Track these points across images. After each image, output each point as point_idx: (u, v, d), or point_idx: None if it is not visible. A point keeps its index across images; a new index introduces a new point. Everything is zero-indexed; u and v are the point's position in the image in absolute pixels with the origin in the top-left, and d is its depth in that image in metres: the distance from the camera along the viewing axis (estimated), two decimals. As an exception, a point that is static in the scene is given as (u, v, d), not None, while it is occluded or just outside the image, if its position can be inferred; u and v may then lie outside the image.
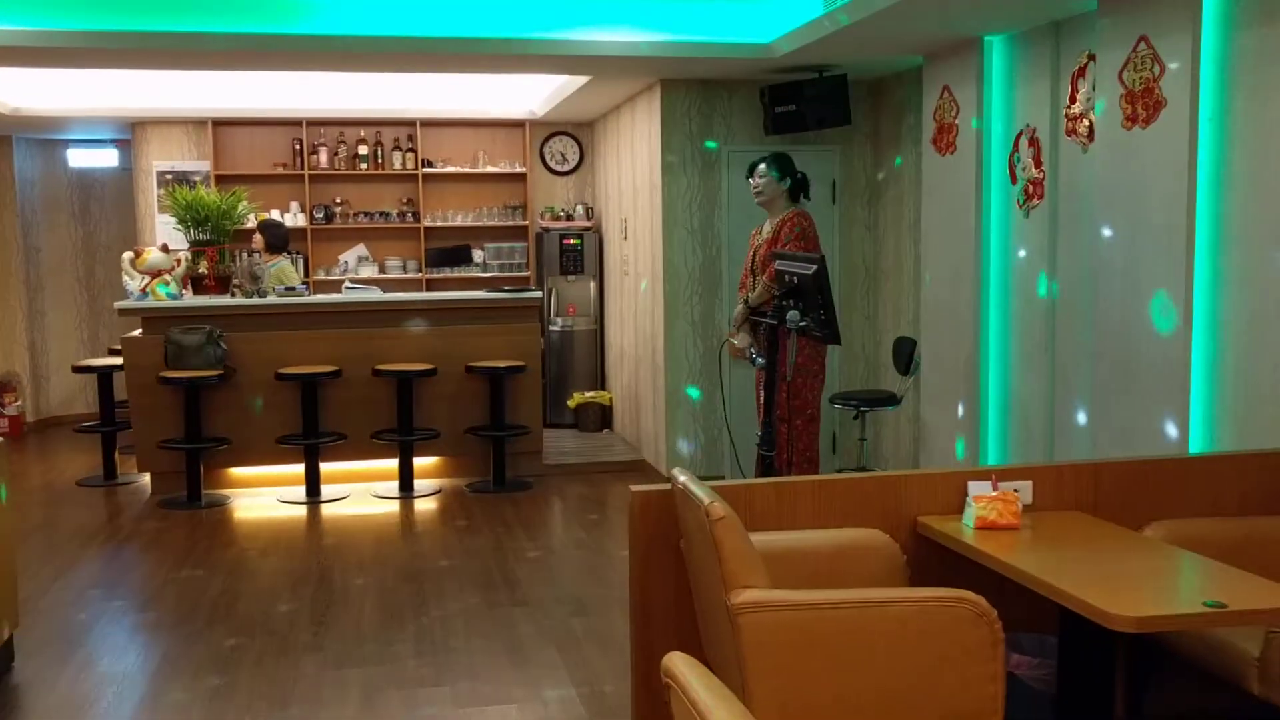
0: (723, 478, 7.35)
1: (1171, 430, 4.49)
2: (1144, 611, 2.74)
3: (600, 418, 9.01)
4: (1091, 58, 5.08)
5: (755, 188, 5.70)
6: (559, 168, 9.65)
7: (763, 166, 5.66)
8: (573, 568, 5.62)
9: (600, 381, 9.32)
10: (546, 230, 9.26)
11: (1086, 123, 5.15)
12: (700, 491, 3.06)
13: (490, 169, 9.42)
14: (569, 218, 9.39)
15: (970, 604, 2.91)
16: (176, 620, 4.91)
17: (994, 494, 3.52)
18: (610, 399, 9.02)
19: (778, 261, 5.10)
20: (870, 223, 7.37)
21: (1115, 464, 3.83)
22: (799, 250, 5.42)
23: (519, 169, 9.45)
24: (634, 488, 3.51)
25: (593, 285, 9.24)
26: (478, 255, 9.49)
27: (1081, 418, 5.25)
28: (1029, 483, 3.68)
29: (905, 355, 6.68)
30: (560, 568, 5.62)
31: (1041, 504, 3.70)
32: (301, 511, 6.88)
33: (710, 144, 7.19)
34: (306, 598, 5.18)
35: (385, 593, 5.23)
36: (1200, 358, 4.44)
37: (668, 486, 3.48)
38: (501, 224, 9.47)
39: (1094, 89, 5.06)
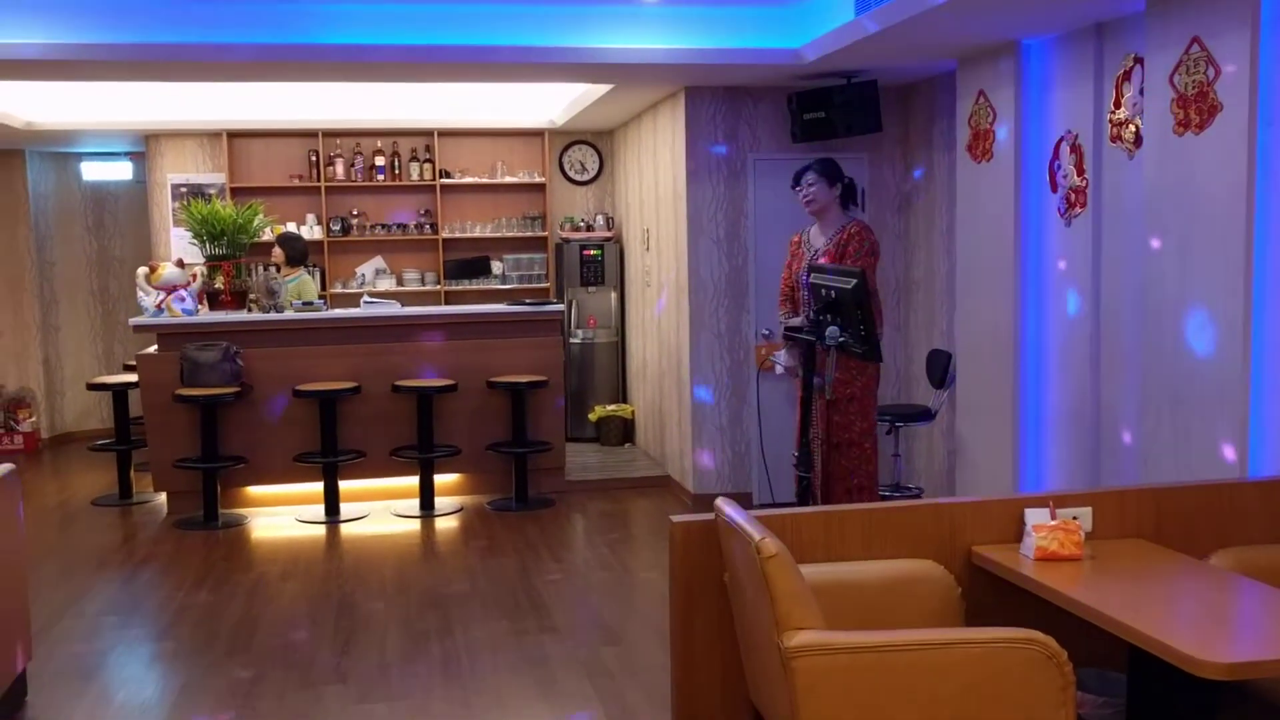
0: (750, 495, 7.17)
1: (1228, 452, 4.29)
2: (1235, 657, 2.55)
3: (622, 431, 8.84)
4: (1138, 60, 4.90)
5: (806, 197, 5.41)
6: (578, 177, 9.49)
7: (810, 174, 5.41)
8: (601, 591, 5.45)
9: (622, 394, 9.15)
10: (566, 241, 9.10)
11: (1132, 128, 4.96)
12: (749, 526, 2.89)
13: (509, 179, 9.27)
14: (589, 228, 9.23)
15: (1040, 645, 2.73)
16: (194, 649, 4.76)
17: (1054, 523, 3.34)
18: (632, 412, 8.85)
19: (813, 275, 4.92)
20: (900, 231, 7.19)
21: (1177, 489, 3.65)
22: (868, 265, 5.19)
23: (538, 179, 9.30)
24: (674, 518, 3.34)
25: (614, 296, 9.07)
26: (497, 267, 9.34)
27: (1128, 437, 5.05)
28: (1088, 509, 3.51)
29: (940, 368, 6.50)
30: (588, 591, 5.44)
31: (1101, 532, 3.52)
32: (320, 531, 6.72)
33: (717, 148, 7.00)
34: (328, 625, 5.02)
35: (408, 619, 5.06)
36: (1260, 376, 4.24)
37: (709, 516, 3.30)
38: (520, 235, 9.31)
39: (1141, 93, 4.88)
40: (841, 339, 4.50)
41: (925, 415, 6.58)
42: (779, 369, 5.60)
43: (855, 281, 4.49)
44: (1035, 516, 3.42)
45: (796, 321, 5.25)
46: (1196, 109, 4.40)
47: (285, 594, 5.49)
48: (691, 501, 7.13)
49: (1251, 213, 4.18)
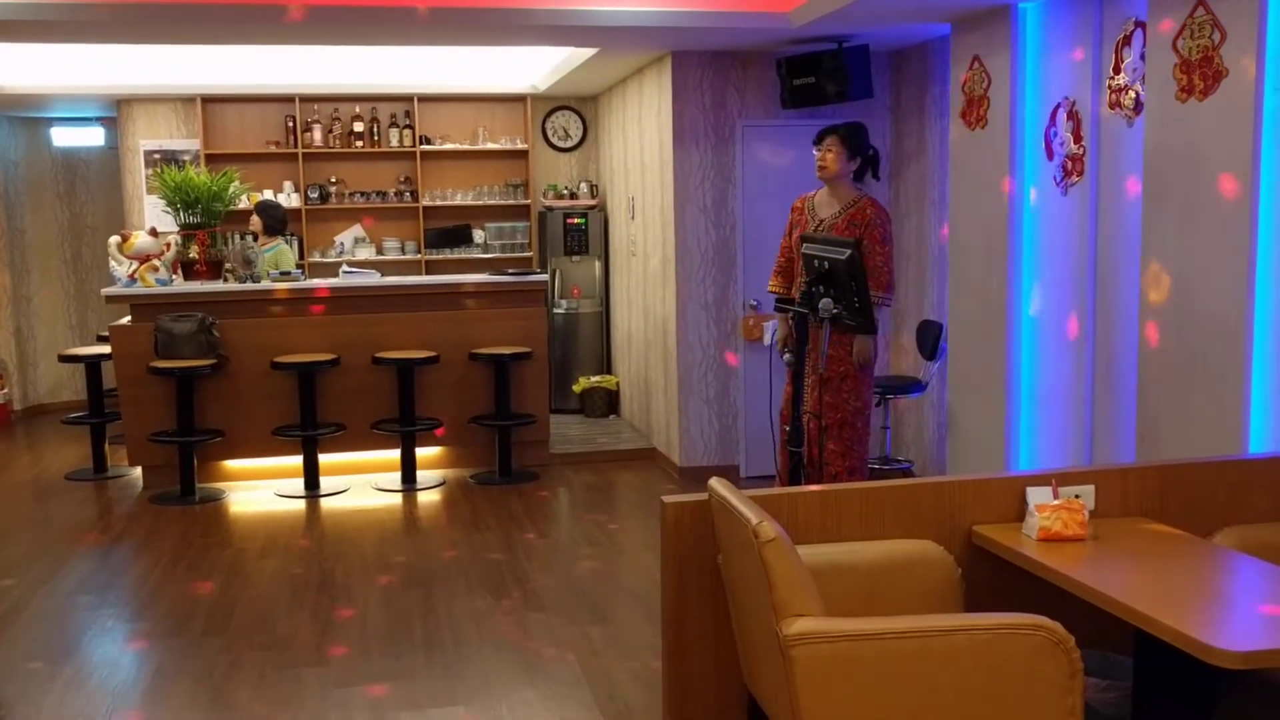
0: (737, 468, 7.08)
1: (1230, 426, 4.21)
2: (1250, 645, 2.46)
3: (607, 403, 8.72)
4: (1139, 25, 4.77)
5: (821, 162, 5.22)
6: (562, 144, 9.31)
7: (832, 138, 5.18)
8: (587, 567, 5.34)
9: (606, 365, 9.02)
10: (550, 209, 8.94)
11: (1132, 95, 4.84)
12: (745, 508, 2.77)
13: (490, 146, 9.08)
14: (573, 196, 9.06)
15: (1046, 631, 2.63)
16: (170, 630, 4.63)
17: (1058, 502, 3.24)
18: (617, 383, 8.73)
19: (805, 245, 4.79)
20: (890, 200, 7.05)
21: (1181, 466, 3.55)
22: (879, 249, 5.04)
23: (520, 146, 9.11)
24: (666, 499, 3.22)
25: (598, 266, 8.92)
26: (478, 235, 9.17)
27: (1124, 410, 4.96)
28: (1091, 488, 3.41)
29: (932, 340, 6.40)
30: (574, 567, 5.34)
31: (1105, 510, 3.43)
32: (300, 506, 6.59)
33: (704, 114, 6.83)
34: (308, 604, 4.90)
35: (391, 597, 4.95)
36: (1263, 349, 4.15)
37: (702, 496, 3.19)
38: (503, 203, 9.14)
39: (1141, 59, 4.75)
40: (835, 311, 4.38)
41: (916, 387, 6.48)
42: (767, 339, 5.46)
43: (849, 252, 4.37)
44: (1038, 495, 3.32)
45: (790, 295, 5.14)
46: (1201, 74, 4.28)
47: (264, 571, 5.36)
48: (678, 475, 7.03)
49: (1257, 181, 4.07)
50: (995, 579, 3.35)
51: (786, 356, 5.29)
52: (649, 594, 4.91)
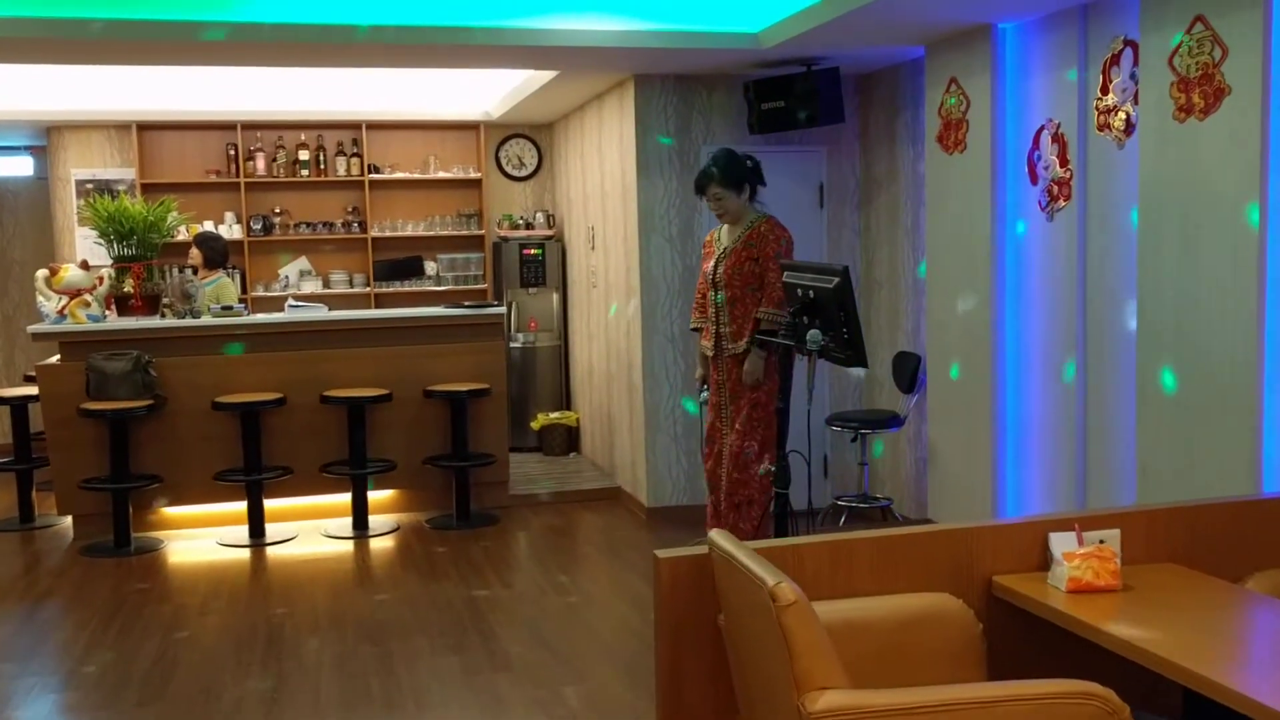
0: (706, 507, 6.75)
1: (1240, 465, 3.99)
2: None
3: (566, 440, 8.39)
4: (1128, 43, 4.59)
5: (718, 210, 5.15)
6: (516, 173, 9.01)
7: (713, 187, 5.10)
8: (556, 620, 4.99)
9: (565, 401, 8.69)
10: (505, 240, 8.62)
11: (1122, 116, 4.65)
12: (757, 566, 2.47)
13: (442, 174, 8.76)
14: (528, 226, 8.76)
15: (1100, 700, 2.36)
16: (101, 700, 4.21)
17: (1086, 550, 2.97)
18: (577, 420, 8.40)
19: (786, 274, 4.53)
20: (860, 228, 6.84)
21: (1209, 507, 3.31)
22: (771, 265, 4.91)
23: (473, 174, 8.80)
24: (660, 554, 2.91)
25: (556, 298, 8.61)
26: (430, 267, 8.82)
27: (1119, 448, 4.74)
28: (1116, 532, 3.14)
29: (909, 372, 6.16)
30: (543, 621, 4.98)
31: (1130, 555, 3.16)
32: (244, 555, 6.17)
33: (664, 139, 6.58)
34: (254, 666, 4.50)
35: (345, 657, 4.56)
36: (1274, 381, 3.94)
37: (700, 550, 2.88)
38: (455, 233, 8.81)
39: (1132, 78, 4.57)
40: (824, 343, 4.11)
41: (894, 421, 6.24)
42: (704, 395, 5.30)
43: (837, 280, 4.10)
44: (1061, 542, 3.06)
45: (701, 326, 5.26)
46: (1201, 92, 4.09)
47: (206, 630, 4.95)
48: (646, 516, 6.70)
49: (1265, 202, 3.88)
50: (1018, 634, 3.07)
51: (703, 394, 5.14)
52: (625, 649, 4.58)
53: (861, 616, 2.91)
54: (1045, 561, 3.11)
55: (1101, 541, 3.10)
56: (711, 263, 5.15)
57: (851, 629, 2.87)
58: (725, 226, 5.17)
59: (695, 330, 5.43)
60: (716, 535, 2.75)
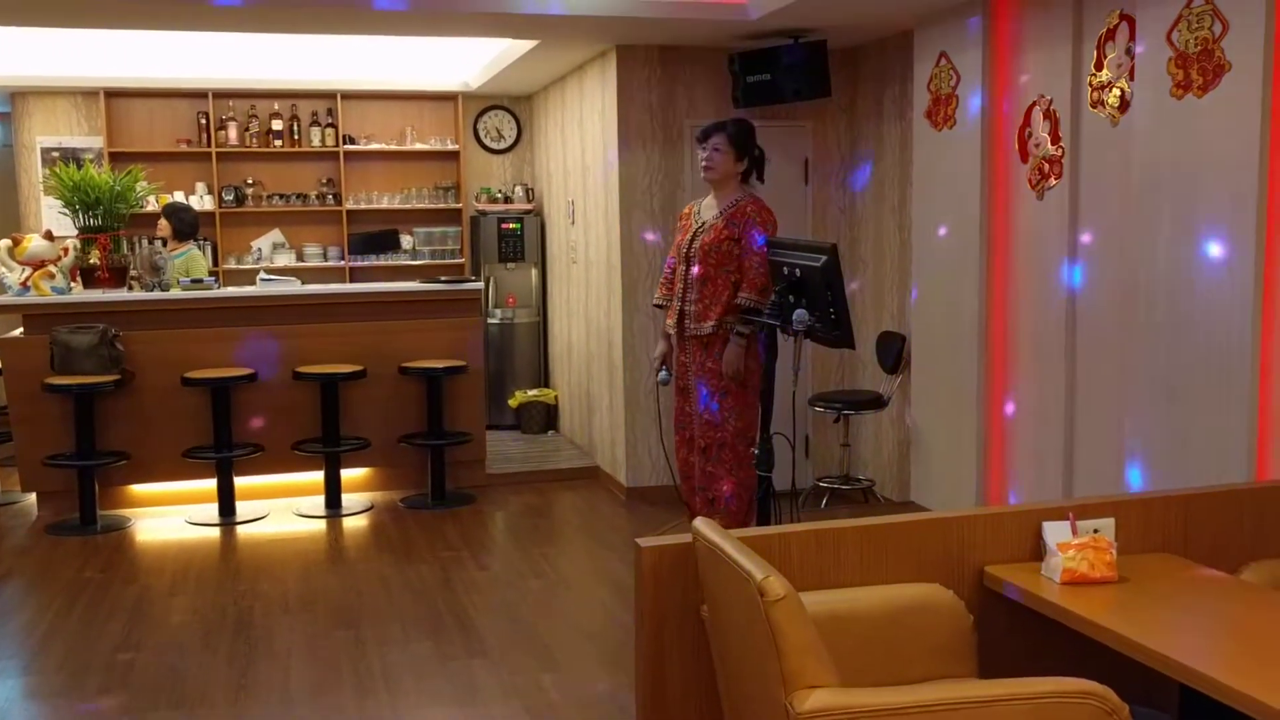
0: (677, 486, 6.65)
1: (1233, 450, 3.91)
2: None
3: (545, 418, 8.27)
4: (1124, 18, 4.48)
5: (706, 161, 4.88)
6: (495, 145, 8.84)
7: (719, 137, 4.84)
8: (534, 604, 4.88)
9: (544, 378, 8.57)
10: (483, 213, 8.46)
11: (1117, 92, 4.54)
12: (744, 558, 2.36)
13: (419, 146, 8.58)
14: (507, 200, 8.60)
15: (1097, 698, 2.27)
16: (64, 686, 4.07)
17: (1081, 540, 2.88)
18: (556, 398, 8.27)
19: (771, 251, 4.41)
20: (846, 205, 6.72)
21: (1206, 494, 3.22)
22: (753, 251, 4.73)
23: (451, 146, 8.63)
24: (642, 542, 2.79)
25: (534, 273, 8.47)
26: (406, 241, 8.66)
27: (1107, 431, 4.66)
28: (1111, 521, 3.05)
29: (894, 353, 6.06)
30: (520, 605, 4.87)
31: (1125, 545, 3.07)
32: (214, 534, 6.03)
33: (650, 113, 6.44)
34: (222, 650, 4.37)
35: (317, 641, 4.44)
36: (1273, 365, 3.86)
37: (684, 539, 2.77)
38: (432, 206, 8.64)
39: (1127, 54, 4.46)
40: (810, 323, 4.00)
41: (877, 402, 6.14)
42: (656, 370, 5.12)
43: (825, 258, 3.99)
44: (1055, 532, 2.96)
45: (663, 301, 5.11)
46: (1200, 69, 3.98)
47: (173, 611, 4.81)
48: (625, 496, 6.60)
49: (1266, 181, 3.78)
50: (1010, 625, 2.98)
51: (662, 375, 4.97)
52: (603, 633, 4.48)
53: (849, 608, 2.81)
54: (1038, 551, 3.01)
55: (1096, 531, 3.01)
56: (687, 236, 4.93)
57: (839, 621, 2.77)
58: (705, 201, 4.99)
59: (659, 307, 5.20)
60: (701, 524, 2.64)
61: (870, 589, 2.87)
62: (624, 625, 4.55)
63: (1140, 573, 2.92)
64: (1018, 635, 2.98)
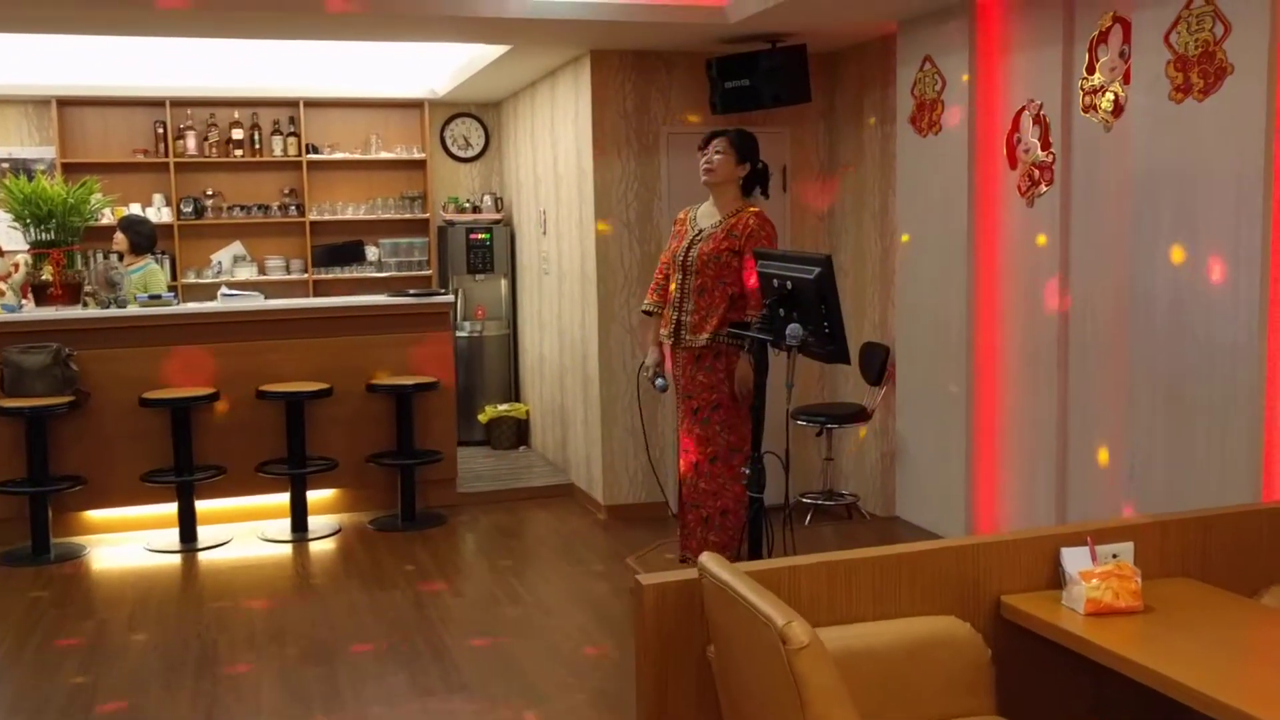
0: (666, 504, 6.48)
1: (1239, 467, 3.78)
2: None
3: (516, 434, 8.06)
4: (1118, 20, 4.36)
5: (708, 164, 4.72)
6: (462, 153, 8.63)
7: (722, 141, 4.70)
8: (514, 634, 4.68)
9: (514, 393, 8.36)
10: (451, 224, 8.25)
11: (1110, 96, 4.43)
12: (764, 602, 2.18)
13: (385, 155, 8.36)
14: (475, 209, 8.39)
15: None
16: (15, 731, 3.83)
17: (1106, 568, 2.73)
18: (527, 412, 8.07)
19: (760, 262, 4.24)
20: (824, 212, 6.57)
21: (1225, 515, 3.09)
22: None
23: (417, 155, 8.41)
24: (643, 578, 2.61)
25: (504, 284, 8.27)
26: (372, 253, 8.43)
27: (1102, 448, 4.53)
28: (1130, 545, 2.91)
29: (878, 364, 5.92)
30: (500, 635, 4.66)
31: (1144, 570, 2.91)
32: (175, 561, 5.78)
33: (626, 120, 6.27)
34: (186, 689, 4.13)
35: (287, 680, 4.21)
36: (1280, 374, 3.74)
37: (688, 575, 2.59)
38: (398, 217, 8.42)
39: (1121, 57, 4.34)
40: (803, 337, 3.83)
41: (860, 415, 6.00)
42: (651, 379, 4.94)
43: (819, 270, 3.83)
44: (1075, 559, 2.82)
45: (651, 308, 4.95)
46: (1200, 72, 3.86)
47: (132, 650, 4.56)
48: (603, 514, 6.40)
49: (1271, 186, 3.66)
50: (1028, 657, 2.83)
51: (660, 383, 4.82)
52: (589, 665, 4.29)
53: (865, 644, 2.65)
54: (1055, 578, 2.87)
55: (1115, 556, 2.86)
56: (683, 243, 4.75)
57: (854, 658, 2.60)
58: (702, 207, 4.81)
59: (647, 313, 5.00)
60: (708, 560, 2.46)
61: (885, 624, 2.71)
62: (609, 655, 4.37)
63: (1164, 601, 2.77)
64: (1037, 667, 2.83)
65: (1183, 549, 3.00)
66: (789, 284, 3.97)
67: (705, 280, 4.60)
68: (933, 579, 2.79)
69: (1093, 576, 2.71)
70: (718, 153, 4.71)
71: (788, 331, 3.80)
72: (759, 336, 4.01)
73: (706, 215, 4.76)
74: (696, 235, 4.69)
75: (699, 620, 2.59)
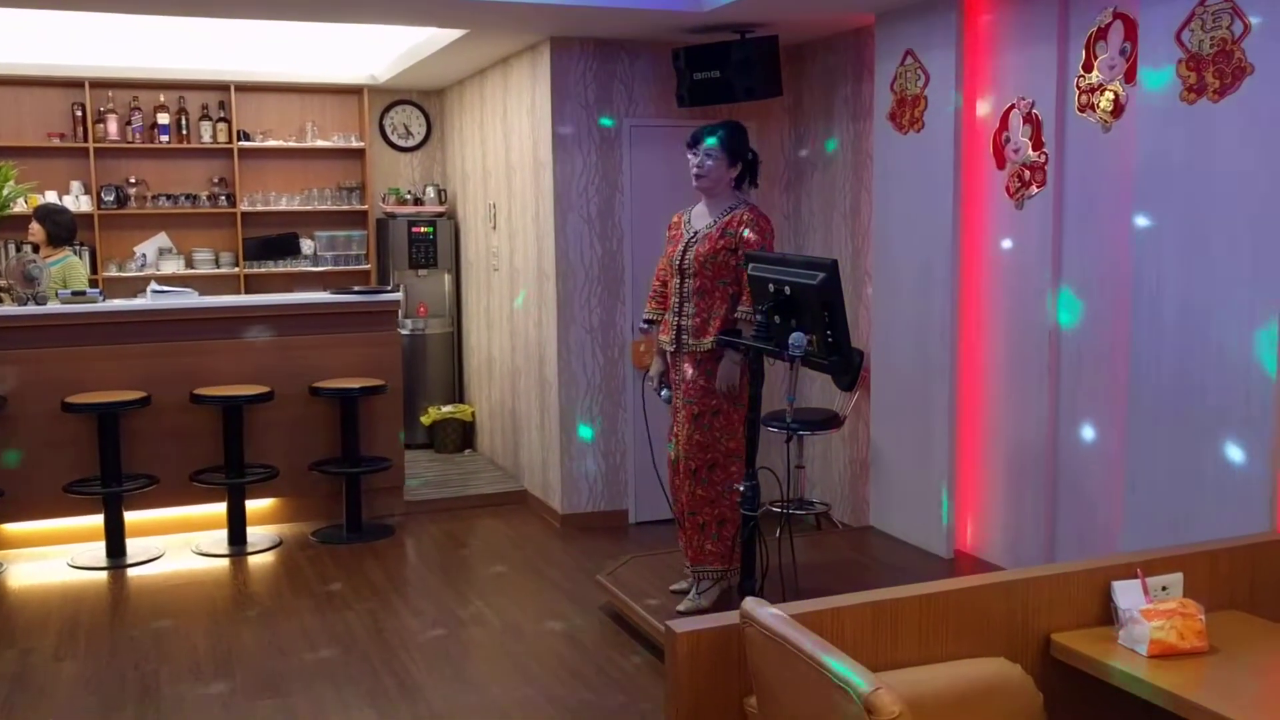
0: (626, 513, 6.22)
1: (1251, 487, 3.63)
2: None
3: (461, 437, 7.72)
4: (1119, 16, 4.19)
5: (698, 167, 4.44)
6: (403, 143, 8.25)
7: (711, 141, 4.41)
8: (480, 656, 4.38)
9: (458, 393, 8.02)
10: (391, 216, 7.87)
11: (1110, 95, 4.26)
12: (840, 664, 1.92)
13: (321, 143, 7.93)
14: (417, 201, 8.02)
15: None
16: (-68, 783, 3.43)
17: (1168, 606, 2.53)
18: (473, 414, 7.73)
19: (752, 265, 3.99)
20: (790, 211, 6.36)
21: (1271, 543, 2.91)
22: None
23: (355, 144, 8.00)
24: (676, 626, 2.35)
25: (448, 280, 7.91)
26: (307, 245, 8.00)
27: (1098, 461, 4.37)
28: (1179, 576, 2.73)
29: (852, 370, 5.70)
30: (465, 658, 4.36)
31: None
32: (102, 578, 5.36)
33: (606, 120, 5.99)
34: (125, 729, 3.77)
35: (237, 715, 3.86)
36: (1299, 388, 3.59)
37: (726, 622, 2.33)
38: (335, 208, 8.01)
39: (1121, 54, 4.17)
40: (807, 347, 3.59)
41: (832, 421, 5.79)
42: (657, 389, 4.67)
43: (823, 275, 3.59)
44: (1127, 593, 2.62)
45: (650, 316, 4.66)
46: (1216, 71, 3.70)
47: (61, 681, 4.16)
48: (560, 524, 6.11)
49: (1293, 194, 3.51)
50: (1079, 696, 2.63)
51: (665, 394, 4.58)
52: (566, 691, 4.01)
53: (915, 691, 2.40)
54: (1105, 612, 2.67)
55: (1165, 589, 2.68)
56: (679, 247, 4.47)
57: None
58: (696, 209, 4.54)
59: (648, 323, 4.71)
60: (753, 606, 2.20)
61: (934, 668, 2.48)
62: (583, 678, 4.10)
63: (1226, 639, 2.59)
64: (1089, 709, 2.63)
65: (1231, 580, 2.84)
66: (787, 289, 3.72)
67: (704, 282, 4.34)
68: (980, 617, 2.57)
69: (1155, 616, 2.51)
70: (709, 156, 4.41)
71: (791, 341, 3.55)
72: (759, 346, 3.76)
73: (700, 216, 4.49)
74: (692, 238, 4.42)
75: (736, 669, 2.33)
